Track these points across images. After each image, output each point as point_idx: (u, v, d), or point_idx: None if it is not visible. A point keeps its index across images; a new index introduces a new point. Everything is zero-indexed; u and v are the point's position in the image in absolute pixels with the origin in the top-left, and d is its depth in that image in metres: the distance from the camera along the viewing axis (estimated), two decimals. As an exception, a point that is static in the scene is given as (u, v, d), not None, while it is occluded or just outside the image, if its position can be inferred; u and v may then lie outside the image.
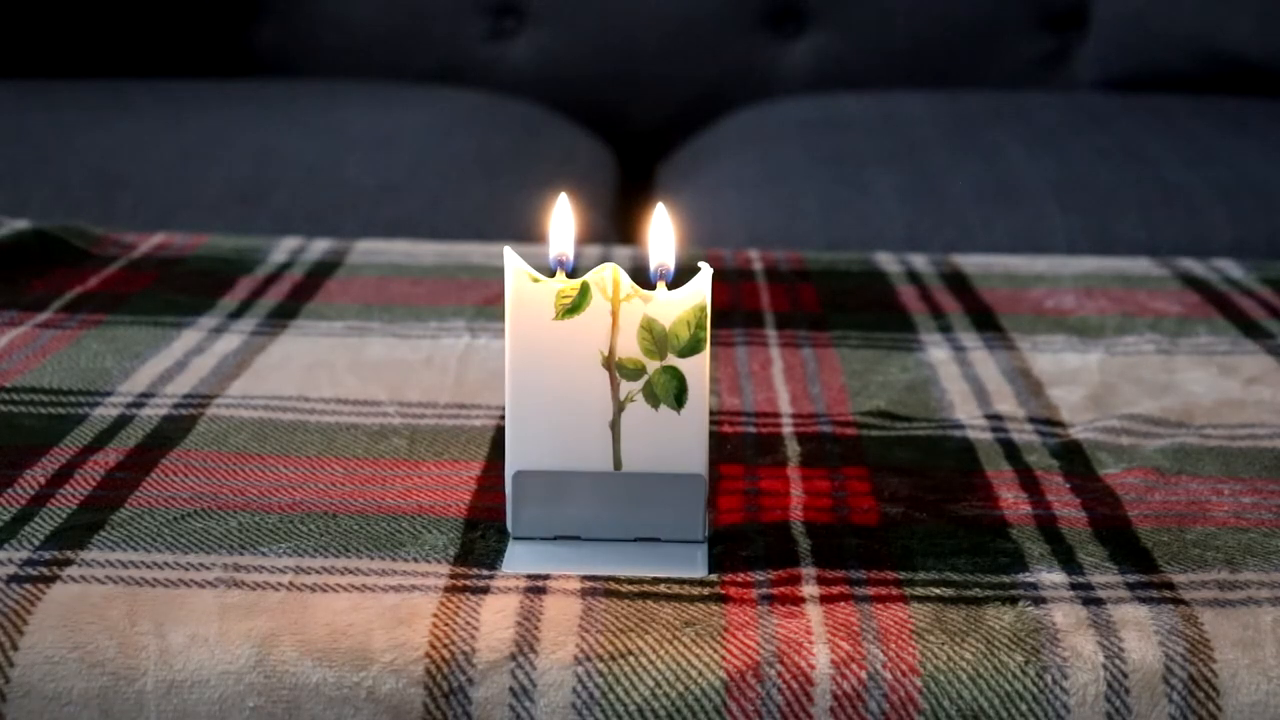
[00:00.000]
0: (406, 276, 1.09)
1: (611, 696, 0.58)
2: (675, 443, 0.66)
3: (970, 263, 1.16)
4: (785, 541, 0.68)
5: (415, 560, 0.66)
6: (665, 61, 1.97)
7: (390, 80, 1.95)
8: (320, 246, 1.16)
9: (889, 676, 0.59)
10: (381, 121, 1.72)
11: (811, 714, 0.58)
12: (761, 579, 0.64)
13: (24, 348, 0.91)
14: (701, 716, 0.58)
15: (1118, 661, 0.59)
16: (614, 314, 0.66)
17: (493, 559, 0.66)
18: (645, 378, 0.66)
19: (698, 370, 0.66)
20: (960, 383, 0.89)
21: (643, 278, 0.67)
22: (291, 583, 0.63)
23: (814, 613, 0.62)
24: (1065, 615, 0.62)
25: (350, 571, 0.65)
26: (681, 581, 0.64)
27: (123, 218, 1.44)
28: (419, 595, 0.62)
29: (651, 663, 0.59)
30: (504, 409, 0.67)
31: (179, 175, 1.53)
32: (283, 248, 1.16)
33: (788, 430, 0.82)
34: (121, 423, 0.80)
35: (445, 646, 0.59)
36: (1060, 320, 1.01)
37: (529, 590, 0.63)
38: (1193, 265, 1.16)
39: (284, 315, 0.99)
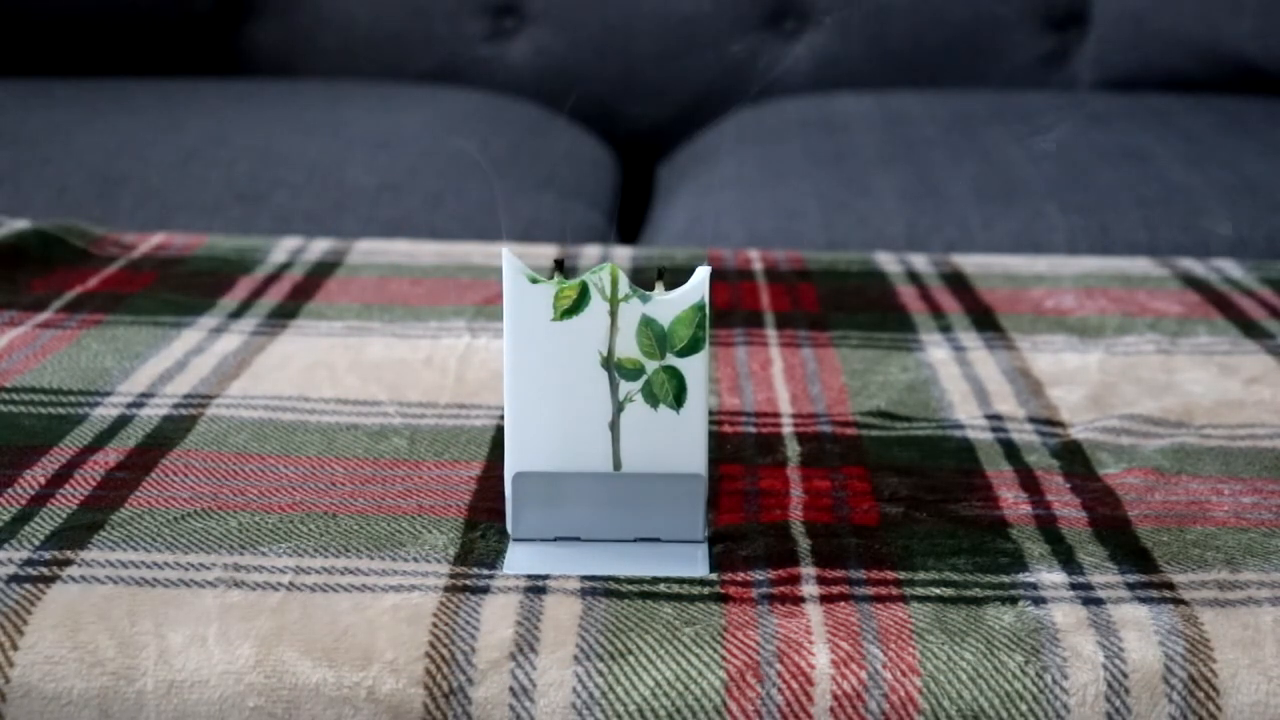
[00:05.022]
0: (406, 276, 1.09)
1: (611, 696, 0.58)
2: (675, 443, 0.66)
3: (970, 263, 1.16)
4: (785, 541, 0.68)
5: (415, 560, 0.66)
6: (665, 61, 1.97)
7: (390, 80, 1.95)
8: (320, 246, 1.16)
9: (889, 676, 0.59)
10: (381, 121, 1.72)
11: (811, 714, 0.58)
12: (761, 579, 0.64)
13: (24, 348, 0.91)
14: (701, 716, 0.58)
15: (1118, 661, 0.59)
16: (612, 314, 0.66)
17: (493, 559, 0.66)
18: (644, 378, 0.66)
19: (697, 370, 0.66)
20: (960, 383, 0.89)
21: (642, 278, 0.67)
22: (292, 583, 0.63)
23: (814, 613, 0.62)
24: (1065, 615, 0.62)
25: (350, 571, 0.65)
26: (681, 581, 0.64)
27: (123, 218, 1.44)
28: (419, 595, 0.62)
29: (651, 663, 0.59)
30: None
31: (179, 175, 1.53)
32: (283, 248, 1.16)
33: (788, 430, 0.82)
34: (121, 423, 0.80)
35: (445, 646, 0.59)
36: (1060, 320, 1.01)
37: (529, 590, 0.63)
38: (1193, 265, 1.16)
39: (284, 315, 0.99)
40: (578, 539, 0.68)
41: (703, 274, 0.66)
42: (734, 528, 0.69)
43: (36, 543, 0.66)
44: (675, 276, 0.67)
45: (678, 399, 0.66)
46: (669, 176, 1.75)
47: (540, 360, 0.66)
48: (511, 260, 0.66)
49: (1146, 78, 1.89)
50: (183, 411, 0.82)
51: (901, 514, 0.71)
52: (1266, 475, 0.77)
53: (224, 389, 0.85)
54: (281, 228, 1.42)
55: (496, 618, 0.61)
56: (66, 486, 0.72)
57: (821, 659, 0.59)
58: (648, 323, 0.66)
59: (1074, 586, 0.64)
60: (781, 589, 0.64)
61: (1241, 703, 0.59)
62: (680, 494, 0.67)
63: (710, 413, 0.71)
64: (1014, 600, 0.63)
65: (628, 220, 1.67)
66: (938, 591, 0.64)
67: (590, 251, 1.19)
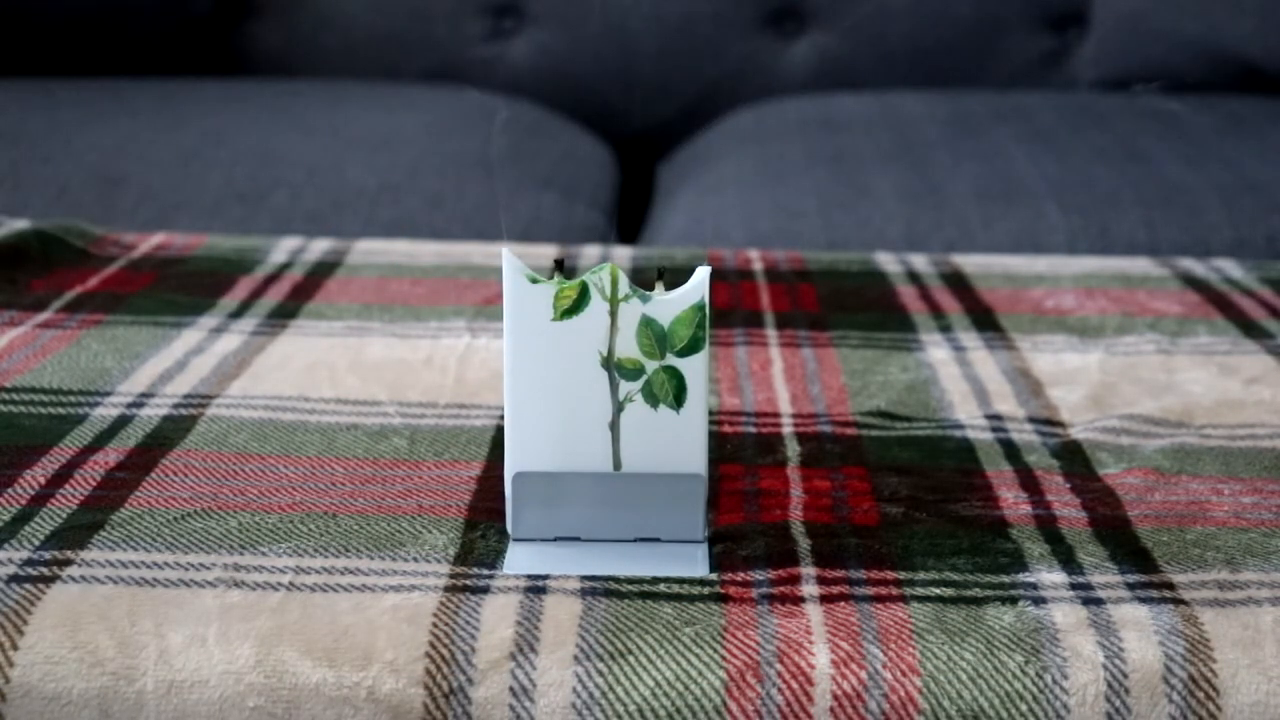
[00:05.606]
0: (406, 276, 1.09)
1: (611, 696, 0.58)
2: (675, 443, 0.66)
3: (970, 263, 1.16)
4: (785, 541, 0.68)
5: (415, 560, 0.66)
6: (665, 61, 1.97)
7: (390, 80, 1.96)
8: (320, 246, 1.16)
9: (889, 676, 0.59)
10: (381, 121, 1.72)
11: (811, 714, 0.58)
12: (761, 579, 0.64)
13: (24, 348, 0.91)
14: (701, 716, 0.58)
15: (1118, 661, 0.59)
16: (612, 314, 0.66)
17: (493, 559, 0.66)
18: (644, 378, 0.66)
19: (697, 370, 0.66)
20: (960, 383, 0.89)
21: (642, 278, 0.67)
22: (292, 583, 0.63)
23: (814, 612, 0.62)
24: (1065, 615, 0.62)
25: (350, 571, 0.65)
26: (681, 581, 0.64)
27: (123, 218, 1.44)
28: (419, 595, 0.62)
29: (651, 663, 0.59)
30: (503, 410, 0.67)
31: (179, 175, 1.53)
32: (283, 248, 1.16)
33: (788, 430, 0.82)
34: (121, 423, 0.80)
35: (445, 646, 0.59)
36: (1060, 320, 1.01)
37: (529, 590, 0.63)
38: (1193, 265, 1.16)
39: (284, 315, 0.99)
40: (578, 539, 0.67)
41: (703, 274, 0.66)
42: (734, 528, 0.69)
43: (36, 543, 0.66)
44: (675, 276, 0.67)
45: (678, 399, 0.66)
46: (669, 176, 1.75)
47: (540, 360, 0.66)
48: (511, 260, 0.66)
49: (1146, 78, 1.89)
50: (183, 411, 0.82)
51: (901, 514, 0.71)
52: (1266, 475, 0.77)
53: (224, 389, 0.85)
54: (281, 228, 1.42)
55: (496, 618, 0.61)
56: (66, 486, 0.72)
57: (821, 659, 0.59)
58: (648, 323, 0.66)
59: (1074, 586, 0.64)
60: (781, 589, 0.64)
61: (1241, 703, 0.59)
62: (680, 494, 0.67)
63: (710, 413, 0.71)
64: (1014, 600, 0.63)
65: (628, 220, 1.67)
66: (938, 591, 0.64)
67: (590, 251, 1.19)
